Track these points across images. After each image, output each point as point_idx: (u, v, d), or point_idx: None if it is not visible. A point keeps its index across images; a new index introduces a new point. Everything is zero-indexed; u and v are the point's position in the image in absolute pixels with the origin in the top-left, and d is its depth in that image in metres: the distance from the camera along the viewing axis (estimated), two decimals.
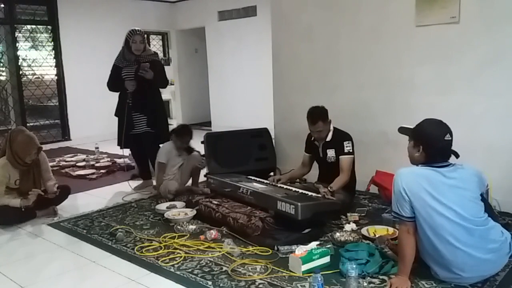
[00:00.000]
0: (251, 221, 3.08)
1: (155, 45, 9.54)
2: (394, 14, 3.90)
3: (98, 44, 7.84)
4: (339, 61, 4.32)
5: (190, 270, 2.65)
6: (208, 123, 9.19)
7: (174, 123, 9.02)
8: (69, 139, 7.80)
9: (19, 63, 7.37)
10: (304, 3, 4.52)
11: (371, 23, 4.05)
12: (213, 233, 3.09)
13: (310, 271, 2.46)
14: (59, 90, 7.76)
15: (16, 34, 7.30)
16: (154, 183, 4.36)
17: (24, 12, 7.55)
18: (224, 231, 3.18)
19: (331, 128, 3.64)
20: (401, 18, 3.85)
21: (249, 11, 8.02)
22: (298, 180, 4.09)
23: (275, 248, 2.84)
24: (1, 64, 7.42)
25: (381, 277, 2.45)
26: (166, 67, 5.33)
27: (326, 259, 2.60)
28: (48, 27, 7.65)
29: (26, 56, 7.52)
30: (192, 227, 3.30)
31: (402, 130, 2.57)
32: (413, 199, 2.25)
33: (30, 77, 7.57)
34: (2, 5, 7.21)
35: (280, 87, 4.87)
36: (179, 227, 3.31)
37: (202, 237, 3.10)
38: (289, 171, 4.14)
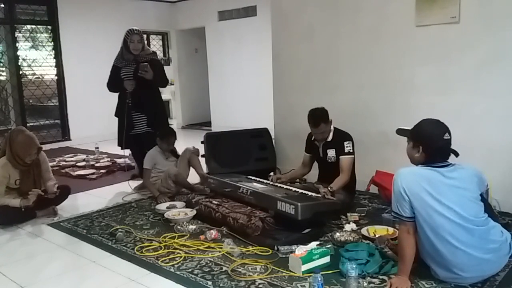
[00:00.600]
0: (251, 221, 3.09)
1: (155, 45, 9.54)
2: (394, 14, 3.90)
3: (98, 44, 7.84)
4: (339, 61, 4.32)
5: (190, 270, 2.65)
6: (208, 123, 9.19)
7: (174, 123, 9.04)
8: (69, 139, 7.80)
9: (19, 63, 7.38)
10: (304, 3, 4.52)
11: (371, 23, 4.05)
12: (213, 233, 3.09)
13: (310, 271, 2.46)
14: (59, 90, 7.76)
15: (16, 34, 7.30)
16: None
17: (24, 12, 7.55)
18: (224, 231, 3.18)
19: (332, 128, 3.64)
20: (401, 18, 3.85)
21: (249, 11, 8.02)
22: (298, 180, 4.08)
23: (275, 248, 2.84)
24: (1, 64, 7.42)
25: (381, 277, 2.45)
26: (166, 67, 5.34)
27: (326, 259, 2.60)
28: (48, 27, 7.65)
29: (26, 56, 7.52)
30: (192, 227, 3.30)
31: (400, 131, 2.56)
32: (413, 199, 2.25)
33: (30, 77, 7.58)
34: (2, 5, 7.21)
35: (280, 87, 4.87)
36: (179, 227, 3.31)
37: (202, 237, 3.10)
38: (289, 171, 4.14)
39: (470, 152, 3.52)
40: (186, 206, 3.74)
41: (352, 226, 3.20)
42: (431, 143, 2.34)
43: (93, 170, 5.51)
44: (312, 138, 3.74)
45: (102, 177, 5.27)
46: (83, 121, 7.79)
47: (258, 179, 3.87)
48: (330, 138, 3.62)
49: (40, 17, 7.65)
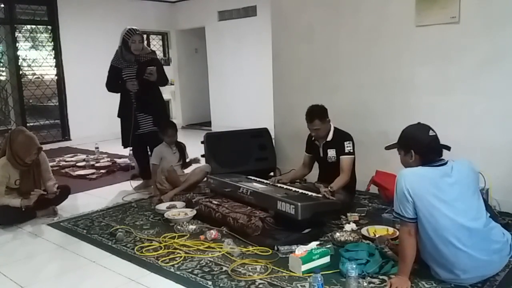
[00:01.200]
0: (251, 221, 3.09)
1: (155, 45, 9.53)
2: (394, 14, 3.90)
3: (98, 44, 7.84)
4: (339, 61, 4.32)
5: (190, 270, 2.65)
6: (208, 123, 9.19)
7: None
8: (69, 139, 7.80)
9: (19, 63, 7.38)
10: (304, 3, 4.52)
11: (371, 23, 4.05)
12: (213, 233, 3.09)
13: (310, 271, 2.46)
14: (59, 90, 7.76)
15: (16, 34, 7.30)
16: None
17: (24, 12, 7.54)
18: (224, 231, 3.18)
19: (332, 128, 3.63)
20: (401, 18, 3.85)
21: (249, 11, 8.02)
22: (298, 180, 4.08)
23: (275, 248, 2.84)
24: (1, 64, 7.42)
25: (381, 277, 2.45)
26: (166, 67, 5.33)
27: (326, 259, 2.60)
28: (48, 27, 7.66)
29: (26, 56, 7.52)
30: (192, 227, 3.30)
31: (388, 147, 2.62)
32: (416, 200, 2.24)
33: (30, 77, 7.58)
34: (2, 5, 7.20)
35: (280, 87, 4.87)
36: (179, 227, 3.31)
37: (202, 237, 3.10)
38: (290, 171, 4.14)
39: (470, 152, 3.52)
40: (186, 206, 3.74)
41: (352, 226, 3.20)
42: (420, 143, 2.37)
43: (93, 170, 5.51)
44: (313, 138, 3.74)
45: (102, 177, 5.27)
46: (83, 121, 7.79)
47: (258, 179, 3.87)
48: (330, 137, 3.62)
49: (40, 17, 7.65)
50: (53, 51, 7.66)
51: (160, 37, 9.64)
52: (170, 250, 2.93)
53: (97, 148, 6.32)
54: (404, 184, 2.27)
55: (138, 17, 8.34)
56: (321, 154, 3.70)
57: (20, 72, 7.38)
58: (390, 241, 2.68)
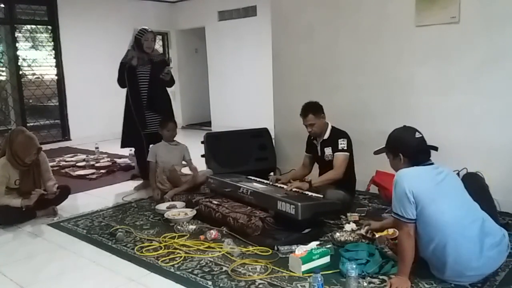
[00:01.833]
0: (251, 221, 3.09)
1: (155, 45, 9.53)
2: (394, 14, 3.90)
3: (98, 44, 7.85)
4: (339, 61, 4.32)
5: (190, 270, 2.65)
6: (208, 123, 9.19)
7: None
8: (69, 139, 7.80)
9: (19, 63, 7.38)
10: (304, 3, 4.52)
11: (371, 23, 4.05)
12: (213, 233, 3.09)
13: (310, 271, 2.46)
14: (59, 90, 7.76)
15: (16, 34, 7.30)
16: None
17: (24, 12, 7.55)
18: (224, 231, 3.18)
19: (329, 126, 3.64)
20: (401, 18, 3.85)
21: (249, 11, 8.02)
22: (297, 180, 4.08)
23: (275, 248, 2.84)
24: (1, 64, 7.42)
25: (381, 277, 2.45)
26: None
27: (326, 259, 2.60)
28: (48, 27, 7.66)
29: (26, 56, 7.52)
30: (192, 227, 3.30)
31: (377, 151, 2.66)
32: (418, 200, 2.24)
33: (30, 77, 7.58)
34: (2, 5, 7.21)
35: (280, 87, 4.87)
36: (179, 227, 3.31)
37: (202, 237, 3.10)
38: (290, 171, 4.14)
39: (470, 152, 3.53)
40: (186, 206, 3.73)
41: (352, 226, 3.19)
42: (407, 145, 2.41)
43: (93, 170, 5.51)
44: (312, 138, 3.75)
45: (102, 177, 5.26)
46: (83, 121, 7.79)
47: (258, 179, 3.87)
48: (327, 136, 3.63)
49: (40, 17, 7.66)
50: (53, 51, 7.66)
51: (160, 37, 9.62)
52: (170, 250, 2.93)
53: (97, 148, 6.32)
54: (405, 185, 2.27)
55: (138, 17, 8.34)
56: (319, 153, 3.70)
57: (20, 72, 7.38)
58: (390, 241, 2.68)
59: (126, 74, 4.40)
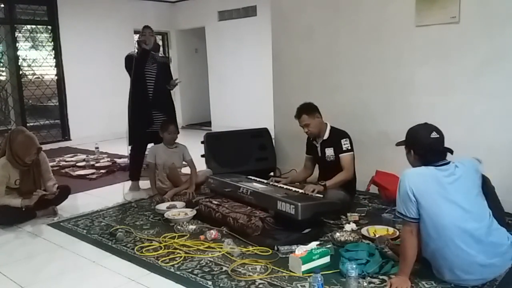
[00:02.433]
0: (251, 221, 3.09)
1: None
2: (394, 14, 3.90)
3: (98, 44, 7.85)
4: (339, 61, 4.32)
5: (190, 270, 2.65)
6: (208, 123, 9.20)
7: None
8: (69, 139, 7.80)
9: (19, 63, 7.38)
10: (304, 3, 4.52)
11: (371, 23, 4.05)
12: (213, 233, 3.09)
13: (310, 271, 2.46)
14: (59, 90, 7.76)
15: (16, 34, 7.30)
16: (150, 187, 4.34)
17: (24, 12, 7.55)
18: (224, 231, 3.18)
19: (328, 127, 3.65)
20: (401, 18, 3.85)
21: (249, 11, 8.02)
22: (299, 183, 4.07)
23: (275, 248, 2.84)
24: (1, 64, 7.42)
25: (381, 277, 2.45)
26: None
27: (326, 259, 2.60)
28: (48, 27, 7.66)
29: (26, 56, 7.52)
30: (192, 227, 3.30)
31: (399, 143, 2.60)
32: (420, 199, 2.24)
33: (30, 77, 7.58)
34: (2, 5, 7.21)
35: (280, 87, 4.87)
36: (179, 227, 3.31)
37: (202, 237, 3.10)
38: (290, 171, 4.14)
39: (470, 152, 3.50)
40: (186, 206, 3.74)
41: (352, 226, 3.20)
42: (419, 144, 2.38)
43: (93, 170, 5.51)
44: (311, 138, 3.75)
45: (102, 177, 5.26)
46: (83, 121, 7.78)
47: (258, 179, 3.87)
48: (326, 136, 3.64)
49: (40, 17, 7.65)
50: (53, 51, 7.66)
51: (160, 37, 9.63)
52: (170, 250, 2.93)
53: (97, 148, 6.32)
54: (407, 184, 2.27)
55: (138, 17, 8.33)
56: (320, 154, 3.70)
57: (20, 72, 7.39)
58: (390, 241, 2.68)
59: (134, 65, 4.39)
